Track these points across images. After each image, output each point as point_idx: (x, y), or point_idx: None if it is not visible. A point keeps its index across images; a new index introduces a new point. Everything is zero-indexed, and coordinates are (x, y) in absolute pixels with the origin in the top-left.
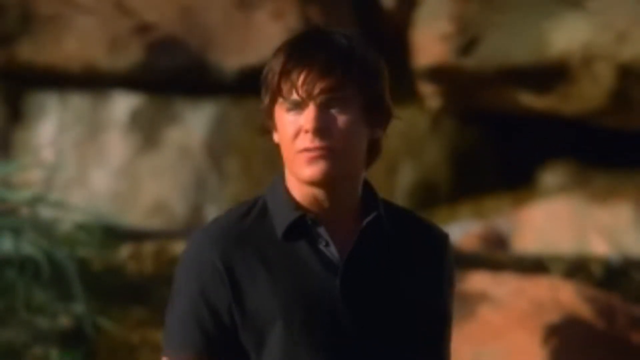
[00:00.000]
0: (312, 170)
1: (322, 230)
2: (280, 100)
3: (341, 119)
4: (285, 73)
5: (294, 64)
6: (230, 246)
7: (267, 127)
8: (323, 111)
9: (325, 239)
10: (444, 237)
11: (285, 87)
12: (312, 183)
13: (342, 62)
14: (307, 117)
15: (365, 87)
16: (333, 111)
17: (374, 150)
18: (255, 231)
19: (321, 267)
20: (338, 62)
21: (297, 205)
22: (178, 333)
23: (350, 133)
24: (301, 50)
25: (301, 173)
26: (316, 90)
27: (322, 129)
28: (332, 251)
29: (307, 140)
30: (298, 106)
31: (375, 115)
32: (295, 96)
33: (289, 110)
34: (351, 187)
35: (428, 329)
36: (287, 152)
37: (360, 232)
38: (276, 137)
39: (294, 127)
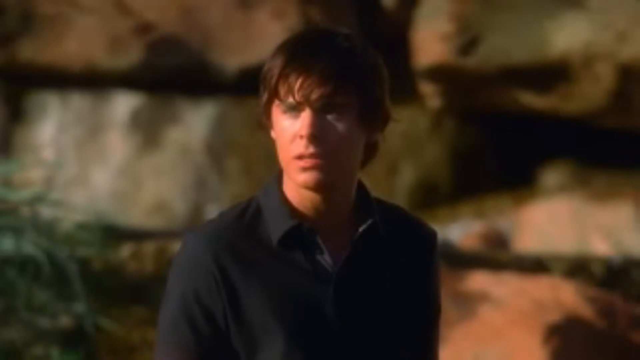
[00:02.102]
0: (305, 177)
1: (317, 238)
2: (277, 102)
3: (337, 126)
4: (283, 75)
5: (293, 67)
6: (224, 250)
7: (264, 124)
8: (319, 117)
9: (320, 248)
10: (433, 235)
11: (282, 90)
12: (307, 188)
13: (342, 68)
14: (302, 122)
15: (363, 93)
16: (329, 117)
17: (371, 152)
18: (249, 235)
19: (316, 275)
20: (337, 68)
21: (292, 211)
22: (170, 334)
23: (346, 140)
24: (301, 53)
25: (295, 178)
26: (313, 96)
27: (317, 135)
28: (326, 259)
29: (301, 146)
30: (294, 109)
31: (373, 119)
32: (291, 100)
33: (284, 112)
34: (346, 191)
35: (420, 331)
36: (283, 155)
37: (354, 241)
38: (273, 134)
39: (290, 132)
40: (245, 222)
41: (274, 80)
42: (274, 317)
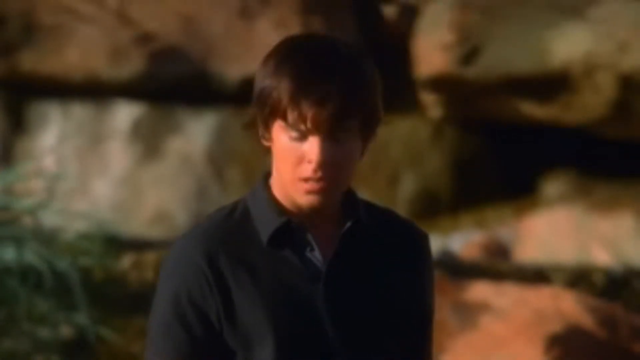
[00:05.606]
0: (310, 200)
1: (307, 235)
2: (282, 123)
3: (345, 148)
4: (293, 102)
5: (304, 94)
6: (215, 249)
7: (256, 132)
8: (328, 142)
9: (311, 244)
10: (424, 237)
11: (292, 116)
12: (310, 210)
13: (352, 94)
14: (312, 148)
15: (366, 109)
16: (337, 140)
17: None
18: (239, 235)
19: (307, 273)
20: (348, 94)
21: (281, 210)
22: (162, 338)
23: (352, 161)
24: (310, 77)
25: (299, 199)
26: (326, 125)
27: (326, 161)
28: (317, 256)
29: (309, 170)
30: (302, 134)
31: (372, 130)
32: (302, 127)
33: (291, 137)
34: (337, 196)
35: (412, 330)
36: (286, 174)
37: (341, 237)
38: (265, 142)
39: (295, 154)
40: (234, 222)
41: (283, 104)
42: (265, 315)
